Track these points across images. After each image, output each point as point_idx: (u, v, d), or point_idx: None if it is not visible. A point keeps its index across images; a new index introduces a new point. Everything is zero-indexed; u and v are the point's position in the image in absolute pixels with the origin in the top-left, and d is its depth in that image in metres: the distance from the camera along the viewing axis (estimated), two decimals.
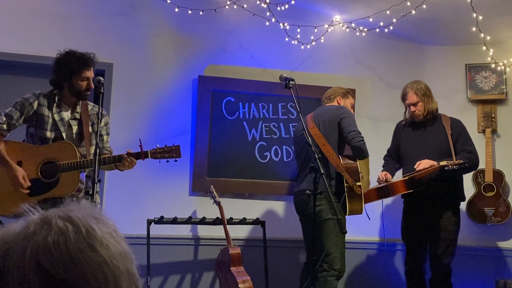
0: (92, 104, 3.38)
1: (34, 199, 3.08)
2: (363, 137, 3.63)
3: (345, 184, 3.62)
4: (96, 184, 2.91)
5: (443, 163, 3.71)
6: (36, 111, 3.16)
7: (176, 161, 3.27)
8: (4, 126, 3.11)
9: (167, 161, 3.24)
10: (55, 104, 3.21)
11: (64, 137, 3.19)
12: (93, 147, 3.21)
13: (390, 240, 4.69)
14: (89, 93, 3.24)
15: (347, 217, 3.67)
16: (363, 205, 3.66)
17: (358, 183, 3.62)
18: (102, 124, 3.32)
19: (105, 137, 3.37)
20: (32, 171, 3.12)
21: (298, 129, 3.95)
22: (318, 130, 3.73)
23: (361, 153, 3.63)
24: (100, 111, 3.09)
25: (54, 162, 3.11)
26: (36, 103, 3.17)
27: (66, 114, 3.25)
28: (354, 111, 4.15)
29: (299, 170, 3.92)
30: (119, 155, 3.14)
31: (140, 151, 3.16)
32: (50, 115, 3.19)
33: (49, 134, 3.17)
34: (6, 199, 3.08)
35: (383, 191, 3.89)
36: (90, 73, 3.20)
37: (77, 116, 3.26)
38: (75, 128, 3.24)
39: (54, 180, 3.10)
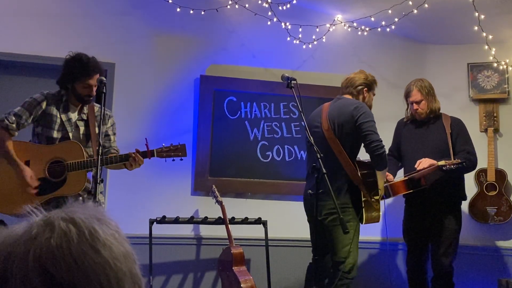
0: (99, 105, 3.34)
1: (41, 198, 3.11)
2: (384, 146, 3.44)
3: (363, 198, 3.43)
4: (99, 184, 2.93)
5: (441, 163, 3.70)
6: (44, 111, 3.20)
7: (181, 159, 3.29)
8: (14, 125, 3.14)
9: (173, 160, 3.26)
10: (62, 105, 3.24)
11: (71, 137, 3.22)
12: (101, 148, 3.22)
13: (392, 240, 4.68)
14: (91, 98, 3.26)
15: None
16: (380, 213, 3.51)
17: (376, 197, 3.43)
18: (109, 124, 3.38)
19: (112, 137, 3.40)
20: (40, 171, 3.14)
21: (311, 125, 3.63)
22: (333, 134, 3.48)
23: (382, 165, 3.46)
24: (103, 111, 3.10)
25: (62, 161, 3.14)
26: (44, 103, 3.20)
27: (74, 115, 3.28)
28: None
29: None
30: (126, 154, 3.17)
31: (147, 149, 3.19)
32: (58, 115, 3.22)
33: (56, 134, 3.20)
34: (14, 198, 3.10)
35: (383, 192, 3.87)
36: (92, 81, 3.20)
37: (84, 117, 3.30)
38: (82, 129, 3.28)
39: (61, 179, 3.13)
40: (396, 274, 4.72)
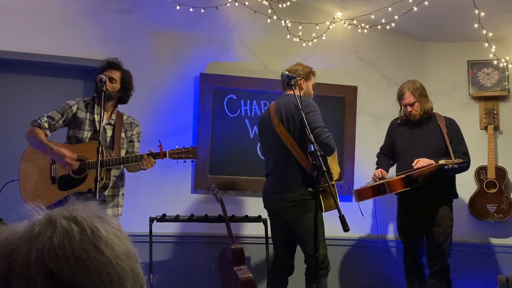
0: (127, 115, 3.68)
1: (65, 192, 3.38)
2: (329, 132, 3.46)
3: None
4: (97, 183, 3.02)
5: (442, 162, 3.72)
6: (75, 114, 3.49)
7: (192, 161, 3.51)
8: (46, 124, 3.41)
9: (184, 161, 3.46)
10: (92, 108, 3.53)
11: (99, 137, 3.38)
12: (124, 151, 3.56)
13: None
14: (104, 89, 3.31)
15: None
16: (337, 200, 3.46)
17: (331, 182, 3.43)
18: (135, 132, 3.67)
19: (136, 144, 3.68)
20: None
21: (262, 125, 3.79)
22: (284, 128, 3.55)
23: (328, 149, 3.46)
24: (102, 109, 3.25)
25: (83, 160, 3.38)
26: (75, 107, 3.50)
27: (103, 118, 3.49)
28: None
29: (272, 166, 3.67)
30: (140, 155, 3.40)
31: (160, 151, 3.38)
32: (87, 117, 3.50)
33: (86, 133, 3.48)
34: (41, 190, 3.38)
35: (379, 188, 3.86)
36: (107, 73, 3.48)
37: (112, 122, 3.56)
38: (109, 132, 3.55)
39: (82, 176, 3.38)
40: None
